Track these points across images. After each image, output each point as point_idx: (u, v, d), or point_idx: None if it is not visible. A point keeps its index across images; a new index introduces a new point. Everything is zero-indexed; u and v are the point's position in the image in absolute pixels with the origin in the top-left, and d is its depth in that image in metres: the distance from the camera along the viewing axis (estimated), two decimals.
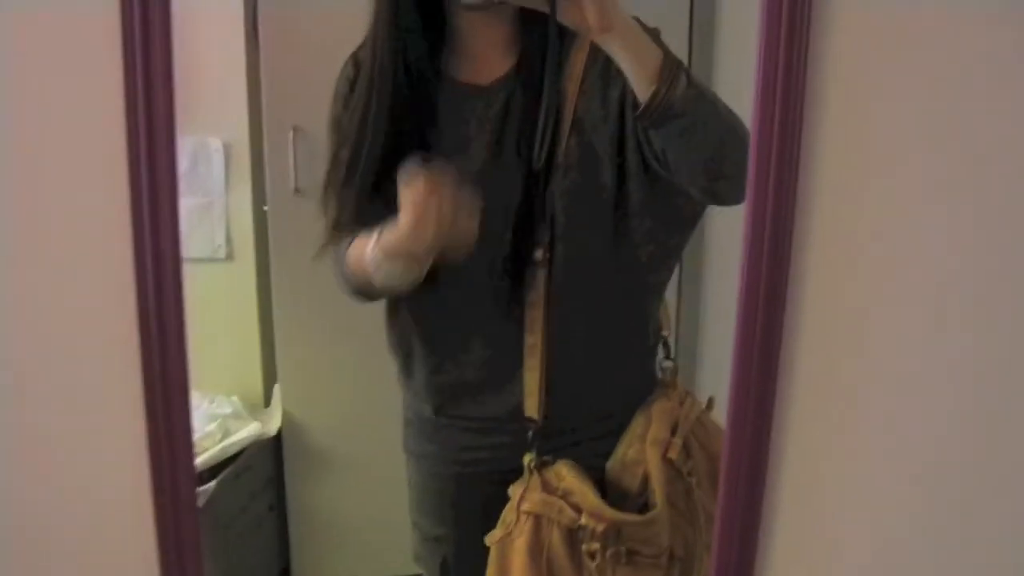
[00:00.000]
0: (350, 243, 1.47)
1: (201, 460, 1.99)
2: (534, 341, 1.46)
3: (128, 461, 1.05)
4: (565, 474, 1.48)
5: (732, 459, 1.09)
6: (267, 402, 2.36)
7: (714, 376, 1.78)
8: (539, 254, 1.44)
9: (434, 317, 1.53)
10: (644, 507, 1.50)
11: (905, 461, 1.10)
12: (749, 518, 1.10)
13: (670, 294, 1.63)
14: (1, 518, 1.07)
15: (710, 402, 1.57)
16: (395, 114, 1.43)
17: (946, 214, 1.04)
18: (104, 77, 0.98)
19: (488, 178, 1.43)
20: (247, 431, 2.24)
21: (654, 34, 1.29)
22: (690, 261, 1.93)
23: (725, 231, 1.76)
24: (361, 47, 1.49)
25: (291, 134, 2.01)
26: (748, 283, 1.03)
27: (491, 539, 1.52)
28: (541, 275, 1.44)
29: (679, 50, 1.30)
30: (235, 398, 2.26)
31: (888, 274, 1.06)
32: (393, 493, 1.79)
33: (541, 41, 1.37)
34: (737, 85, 1.12)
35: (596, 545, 1.46)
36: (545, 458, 1.49)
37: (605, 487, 1.51)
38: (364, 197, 1.45)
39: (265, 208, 2.10)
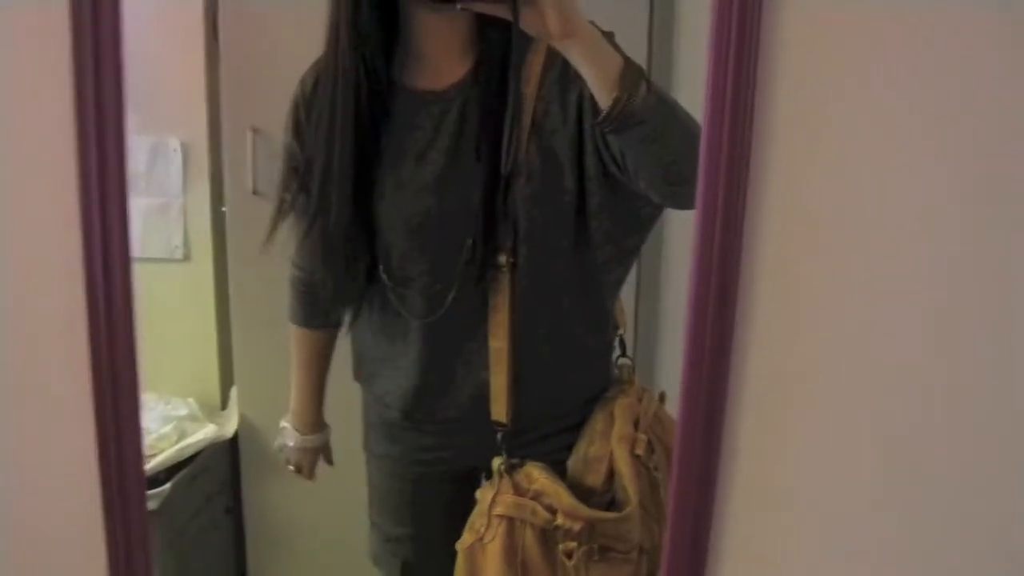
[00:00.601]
0: (295, 318, 1.77)
1: (156, 462, 1.98)
2: (500, 345, 1.48)
3: (78, 463, 1.04)
4: (536, 476, 1.50)
5: (683, 457, 1.10)
6: (224, 404, 2.34)
7: (671, 374, 1.79)
8: (503, 258, 1.45)
9: (399, 322, 1.54)
10: (611, 503, 1.52)
11: (858, 453, 1.11)
12: (701, 517, 1.11)
13: (628, 294, 1.65)
14: None
15: (662, 396, 1.59)
16: (357, 123, 1.44)
17: (901, 203, 1.05)
18: (53, 73, 0.98)
19: (447, 184, 1.44)
20: (203, 433, 2.22)
21: (609, 37, 1.30)
22: (648, 261, 1.94)
23: (683, 230, 1.77)
24: (311, 69, 1.51)
25: (250, 135, 2.00)
26: (699, 279, 1.04)
27: (461, 545, 1.52)
28: (505, 279, 1.45)
29: (639, 50, 1.31)
30: (191, 400, 2.24)
31: (840, 269, 1.06)
32: (350, 496, 1.80)
33: (497, 46, 1.40)
34: (696, 86, 1.13)
35: (573, 544, 1.48)
36: (514, 461, 1.51)
37: (567, 484, 1.53)
38: (344, 204, 1.47)
39: (223, 209, 2.09)
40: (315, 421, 1.82)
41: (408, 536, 1.67)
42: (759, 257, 1.05)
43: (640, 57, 1.30)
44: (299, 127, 1.52)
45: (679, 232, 1.83)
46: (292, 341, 1.79)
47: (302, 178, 1.50)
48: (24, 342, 1.04)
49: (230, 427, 2.30)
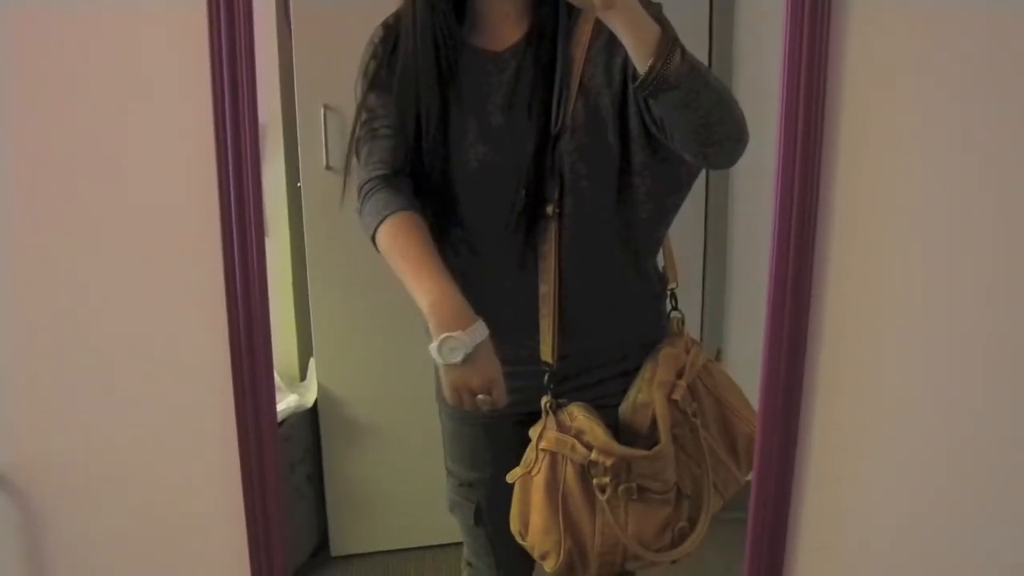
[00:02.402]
0: (391, 207, 1.60)
1: None
2: (547, 290, 1.58)
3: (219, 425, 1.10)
4: (577, 414, 1.60)
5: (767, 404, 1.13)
6: (303, 375, 2.41)
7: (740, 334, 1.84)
8: (550, 209, 1.55)
9: (456, 270, 1.60)
10: (654, 447, 1.60)
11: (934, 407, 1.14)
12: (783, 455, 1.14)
13: (697, 255, 1.70)
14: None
15: (718, 353, 1.66)
16: (439, 74, 1.58)
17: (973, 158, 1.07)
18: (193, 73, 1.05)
19: (501, 136, 1.56)
20: (285, 403, 2.28)
21: (656, 9, 1.40)
22: (715, 234, 1.98)
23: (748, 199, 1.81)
24: (385, 21, 1.64)
25: (322, 112, 2.06)
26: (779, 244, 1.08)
27: (512, 476, 1.64)
28: (552, 228, 1.56)
29: (699, 48, 1.37)
30: (273, 372, 2.30)
31: (911, 253, 1.09)
32: (429, 462, 1.85)
33: (549, 14, 1.54)
34: (757, 78, 1.18)
35: (606, 479, 1.57)
36: (560, 400, 1.62)
37: (618, 429, 1.63)
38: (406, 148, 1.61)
39: (298, 185, 2.14)
40: (469, 310, 1.52)
41: (480, 480, 1.78)
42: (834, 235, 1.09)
43: (701, 55, 1.37)
44: (379, 81, 1.64)
45: (745, 195, 1.87)
46: (395, 239, 1.58)
47: (381, 89, 1.64)
48: (168, 324, 1.11)
49: (310, 397, 2.36)
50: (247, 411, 1.11)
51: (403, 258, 1.56)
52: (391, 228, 1.58)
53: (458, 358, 1.50)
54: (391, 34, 1.63)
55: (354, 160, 1.65)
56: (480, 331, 1.51)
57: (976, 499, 1.16)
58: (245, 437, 1.12)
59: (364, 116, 1.65)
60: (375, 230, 1.59)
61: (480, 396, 1.52)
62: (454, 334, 1.49)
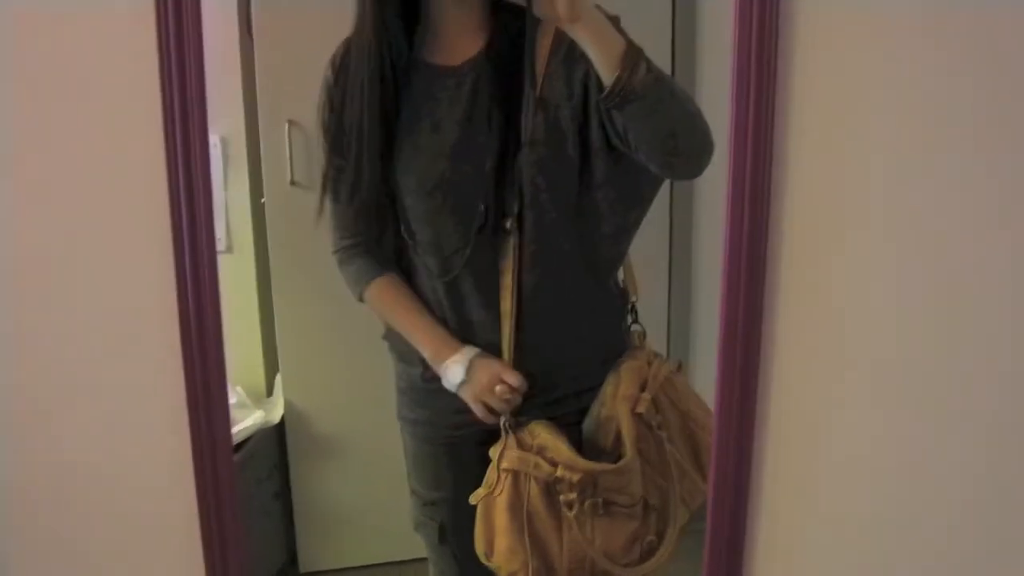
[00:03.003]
0: (369, 274, 1.70)
1: None
2: (506, 307, 1.57)
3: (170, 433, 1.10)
4: (539, 431, 1.59)
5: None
6: (269, 391, 2.40)
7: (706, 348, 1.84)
8: (509, 223, 1.54)
9: (416, 286, 1.66)
10: (619, 461, 1.59)
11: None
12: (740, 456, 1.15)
13: (662, 269, 1.70)
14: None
15: (679, 365, 1.65)
16: (384, 95, 1.56)
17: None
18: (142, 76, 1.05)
19: (461, 151, 1.54)
20: (251, 420, 2.28)
21: (614, 21, 1.39)
22: (680, 236, 1.99)
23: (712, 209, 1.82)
24: (347, 39, 1.61)
25: (286, 127, 2.06)
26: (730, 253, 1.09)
27: (475, 498, 1.62)
28: (511, 243, 1.54)
29: (662, 54, 1.38)
30: (239, 388, 2.30)
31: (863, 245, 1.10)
32: (397, 477, 1.85)
33: (508, 26, 1.52)
34: (721, 86, 1.19)
35: (573, 495, 1.56)
36: (520, 418, 1.60)
37: (582, 446, 1.62)
38: (374, 173, 1.59)
39: (263, 201, 2.14)
40: (454, 340, 1.67)
41: (443, 499, 1.76)
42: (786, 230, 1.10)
43: (664, 61, 1.38)
44: (332, 102, 1.64)
45: (709, 208, 1.88)
46: (381, 302, 1.73)
47: (339, 147, 1.62)
48: (120, 338, 1.10)
49: (276, 413, 2.35)
50: (202, 430, 1.10)
51: (399, 313, 1.70)
52: (373, 295, 1.71)
53: (460, 376, 1.63)
54: (347, 53, 1.62)
55: (327, 198, 1.68)
56: (468, 350, 1.64)
57: (936, 502, 1.17)
58: (200, 455, 1.11)
59: (329, 155, 1.65)
60: (360, 297, 1.73)
61: (498, 388, 1.60)
62: (446, 362, 1.64)
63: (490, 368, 1.62)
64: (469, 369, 1.62)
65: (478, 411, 1.64)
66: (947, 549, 1.19)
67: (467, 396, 1.64)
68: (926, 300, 1.12)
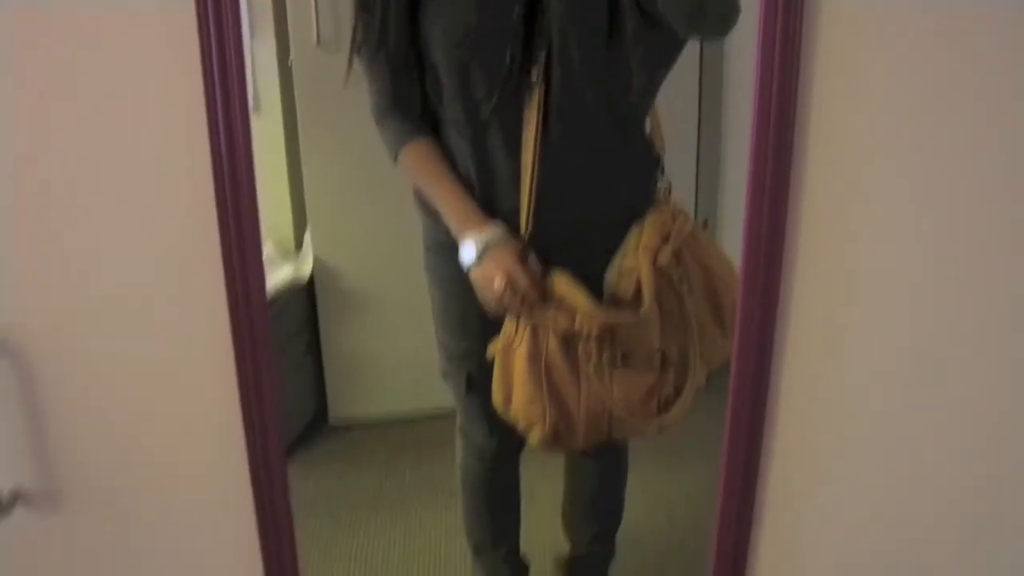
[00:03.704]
0: (403, 138, 1.69)
1: None
2: (527, 160, 1.57)
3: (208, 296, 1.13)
4: (559, 282, 1.60)
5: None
6: (299, 247, 2.43)
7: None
8: (535, 74, 1.53)
9: (444, 145, 1.66)
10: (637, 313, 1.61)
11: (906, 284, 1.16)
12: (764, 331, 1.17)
13: (690, 131, 1.71)
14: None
15: (705, 223, 1.66)
16: None
17: None
18: None
19: (487, 1, 1.53)
20: (281, 275, 2.32)
21: None
22: (709, 101, 1.99)
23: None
24: None
25: None
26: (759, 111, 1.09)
27: (494, 349, 1.65)
28: (537, 95, 1.54)
29: None
30: (268, 243, 2.33)
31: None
32: (426, 330, 1.88)
33: None
34: None
35: (591, 347, 1.59)
36: (542, 269, 1.61)
37: (604, 298, 1.63)
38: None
39: (290, 62, 2.14)
40: (483, 216, 1.66)
41: (470, 350, 1.79)
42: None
43: None
44: None
45: (739, 59, 1.87)
46: (413, 167, 1.73)
47: (365, 2, 1.60)
48: (157, 195, 1.12)
49: (306, 269, 2.39)
50: (236, 279, 1.12)
51: (430, 179, 1.70)
52: (406, 159, 1.71)
53: (471, 256, 1.63)
54: None
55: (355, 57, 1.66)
56: (491, 231, 1.63)
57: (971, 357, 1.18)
58: (235, 305, 1.13)
59: (357, 10, 1.63)
60: (395, 159, 1.72)
61: (496, 283, 1.59)
62: (465, 238, 1.63)
63: (502, 259, 1.60)
64: (482, 253, 1.62)
65: (481, 300, 1.65)
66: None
67: (473, 278, 1.65)
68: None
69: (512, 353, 1.64)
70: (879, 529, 1.25)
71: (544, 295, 1.61)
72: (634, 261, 1.62)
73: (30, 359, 1.15)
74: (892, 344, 1.17)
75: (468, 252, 1.63)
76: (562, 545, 2.12)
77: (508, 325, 1.65)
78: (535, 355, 1.62)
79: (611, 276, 1.64)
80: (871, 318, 1.16)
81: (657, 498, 2.32)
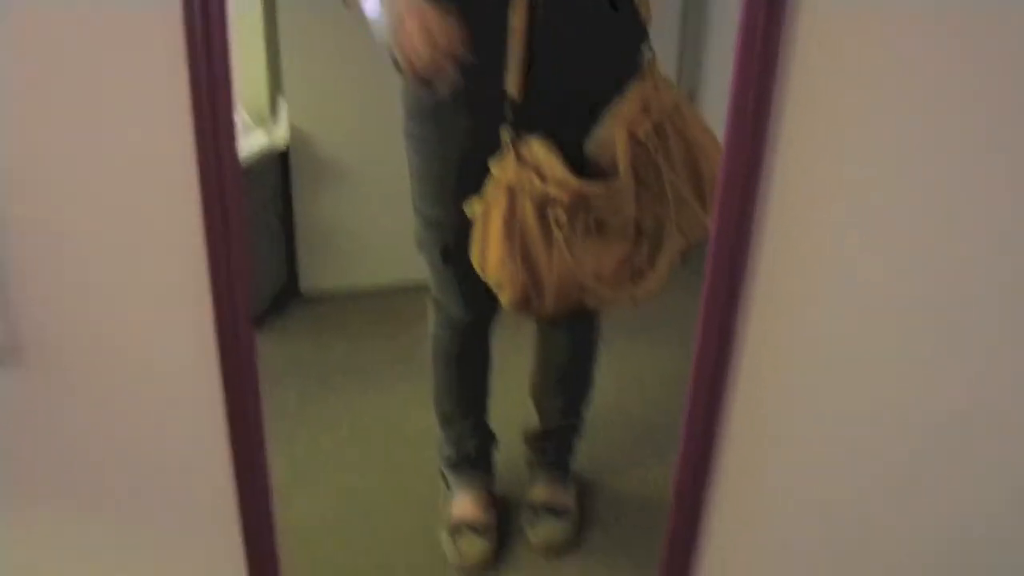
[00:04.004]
0: None
1: None
2: (518, 24, 1.53)
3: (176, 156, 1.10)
4: (536, 148, 1.60)
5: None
6: (273, 114, 2.39)
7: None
8: None
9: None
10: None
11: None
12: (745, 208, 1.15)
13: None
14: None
15: (691, 93, 1.64)
16: None
17: None
18: None
19: None
20: (254, 142, 2.29)
21: None
22: None
23: None
24: None
25: None
26: None
27: (472, 211, 1.65)
28: None
29: None
30: (242, 110, 2.29)
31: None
32: (399, 202, 1.86)
33: None
34: None
35: (563, 215, 1.59)
36: (520, 134, 1.60)
37: (584, 167, 1.62)
38: None
39: None
40: None
41: (446, 218, 1.77)
42: None
43: None
44: None
45: None
46: None
47: None
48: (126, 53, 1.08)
49: (280, 137, 2.36)
50: (208, 147, 1.08)
51: None
52: None
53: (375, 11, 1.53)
54: None
55: None
56: None
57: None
58: (207, 174, 1.09)
59: None
60: None
61: (419, 49, 1.48)
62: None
63: (419, 15, 1.47)
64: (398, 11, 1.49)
65: (402, 63, 1.51)
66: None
67: (392, 39, 1.51)
68: None
69: (488, 217, 1.64)
70: (852, 413, 1.25)
71: (521, 160, 1.60)
72: (611, 131, 1.61)
73: None
74: (881, 224, 1.15)
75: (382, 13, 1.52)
76: (530, 418, 2.13)
77: (488, 189, 1.64)
78: (510, 218, 1.62)
79: (591, 146, 1.63)
80: (858, 196, 1.14)
81: (629, 376, 2.34)
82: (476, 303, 1.88)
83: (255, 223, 2.37)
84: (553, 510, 2.06)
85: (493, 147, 1.63)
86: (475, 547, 1.99)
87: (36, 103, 1.07)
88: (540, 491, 2.10)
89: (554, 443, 2.11)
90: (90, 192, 1.11)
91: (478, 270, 1.69)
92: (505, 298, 1.68)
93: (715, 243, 1.15)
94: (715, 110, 1.51)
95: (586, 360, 2.05)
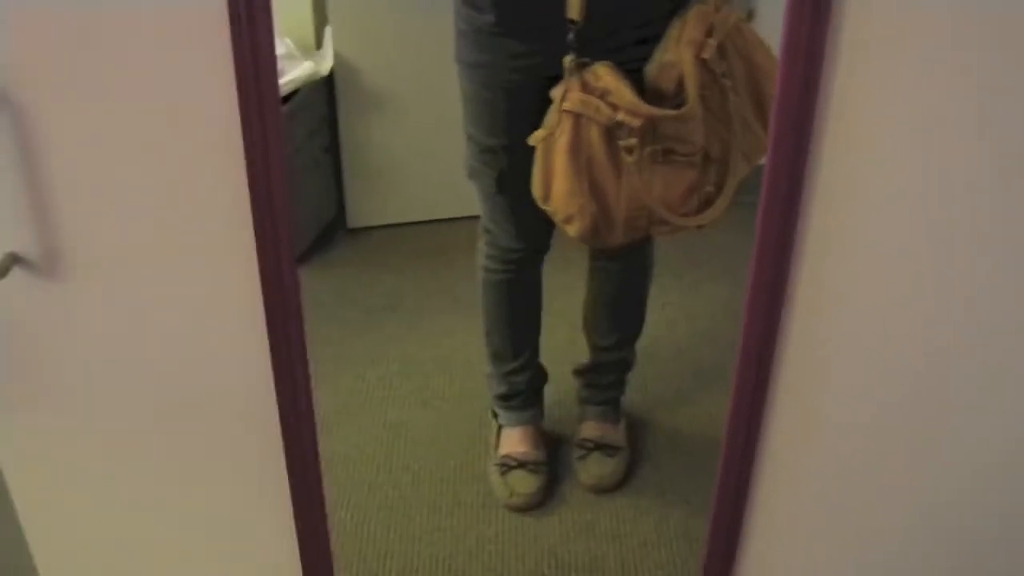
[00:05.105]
0: None
1: None
2: None
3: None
4: (603, 74, 1.55)
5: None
6: (319, 44, 2.37)
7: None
8: None
9: None
10: (680, 108, 1.56)
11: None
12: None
13: None
14: None
15: (749, 14, 1.59)
16: None
17: None
18: None
19: None
20: (300, 70, 2.26)
21: None
22: None
23: None
24: None
25: None
26: None
27: (535, 139, 1.60)
28: None
29: None
30: (287, 39, 2.27)
31: None
32: (447, 133, 1.83)
33: None
34: None
35: (633, 141, 1.55)
36: (584, 59, 1.55)
37: (644, 92, 1.57)
38: None
39: None
40: None
41: (501, 146, 1.73)
42: None
43: None
44: None
45: None
46: None
47: None
48: None
49: (326, 65, 2.33)
50: (248, 79, 1.04)
51: None
52: None
53: None
54: None
55: None
56: None
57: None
58: (246, 105, 1.05)
59: None
60: None
61: None
62: None
63: None
64: None
65: None
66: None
67: None
68: None
69: (553, 145, 1.59)
70: (909, 340, 1.22)
71: (586, 86, 1.55)
72: (675, 55, 1.56)
73: (33, 115, 1.09)
74: (941, 150, 1.10)
75: None
76: (581, 354, 2.09)
77: (551, 116, 1.59)
78: (576, 147, 1.58)
79: (651, 70, 1.58)
80: (918, 120, 1.09)
81: (679, 311, 2.30)
82: (529, 233, 1.85)
83: (302, 155, 2.36)
84: (603, 447, 2.03)
85: (551, 73, 1.59)
86: (524, 483, 1.97)
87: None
88: (591, 428, 2.07)
89: (605, 378, 2.08)
90: (131, 113, 1.08)
91: (538, 201, 1.65)
92: (574, 230, 1.65)
93: (770, 170, 1.11)
94: (774, 30, 1.47)
95: (639, 293, 2.02)
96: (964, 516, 1.34)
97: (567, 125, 1.57)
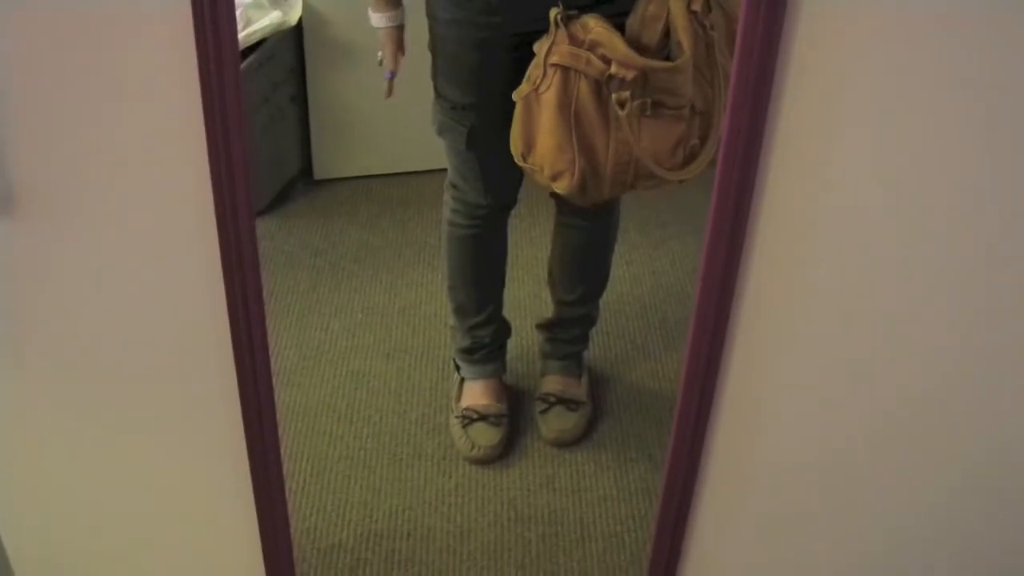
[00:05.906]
0: None
1: None
2: None
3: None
4: (592, 26, 1.53)
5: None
6: None
7: None
8: None
9: None
10: (666, 60, 1.55)
11: None
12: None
13: None
14: None
15: None
16: None
17: None
18: None
19: None
20: (268, 19, 2.24)
21: None
22: None
23: None
24: None
25: None
26: None
27: (518, 94, 1.59)
28: None
29: None
30: None
31: None
32: (416, 86, 1.81)
33: None
34: None
35: (625, 94, 1.53)
36: (571, 12, 1.53)
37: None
38: None
39: None
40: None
41: (472, 103, 1.71)
42: None
43: None
44: None
45: None
46: None
47: None
48: None
49: (294, 15, 2.31)
50: (204, 16, 1.03)
51: None
52: None
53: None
54: None
55: None
56: (386, 19, 1.79)
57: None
58: (204, 55, 1.04)
59: None
60: None
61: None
62: (370, 10, 1.79)
63: (386, 38, 1.80)
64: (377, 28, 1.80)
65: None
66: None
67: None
68: None
69: (537, 99, 1.58)
70: (862, 308, 1.23)
71: (574, 39, 1.54)
72: (659, 8, 1.54)
73: None
74: (900, 101, 1.11)
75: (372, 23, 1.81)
76: (544, 309, 2.10)
77: (534, 70, 1.58)
78: (564, 102, 1.56)
79: (634, 23, 1.56)
80: (880, 78, 1.09)
81: (643, 268, 2.31)
82: (497, 189, 1.84)
83: (268, 105, 2.34)
84: (565, 401, 2.04)
85: (523, 29, 1.58)
86: (485, 436, 1.98)
87: None
88: (552, 382, 2.08)
89: (569, 333, 2.09)
90: (88, 55, 1.07)
91: (517, 157, 1.65)
92: (562, 186, 1.64)
93: (728, 132, 1.11)
94: None
95: (604, 249, 2.02)
96: (919, 503, 1.37)
97: (555, 79, 1.56)
